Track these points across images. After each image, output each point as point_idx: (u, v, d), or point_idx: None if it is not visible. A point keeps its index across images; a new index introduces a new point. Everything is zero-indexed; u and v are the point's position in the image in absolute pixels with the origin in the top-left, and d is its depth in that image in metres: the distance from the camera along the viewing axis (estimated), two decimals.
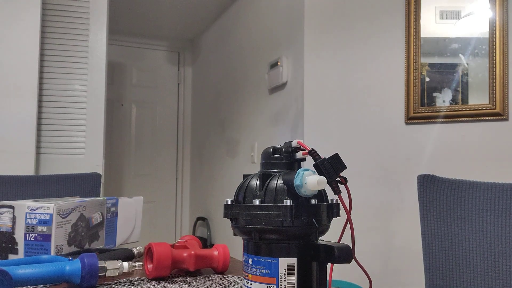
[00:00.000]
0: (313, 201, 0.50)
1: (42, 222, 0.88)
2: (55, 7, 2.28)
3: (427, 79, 2.00)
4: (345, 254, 0.50)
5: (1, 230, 0.91)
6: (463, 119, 1.94)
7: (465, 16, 1.97)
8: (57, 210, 0.89)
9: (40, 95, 2.20)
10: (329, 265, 0.52)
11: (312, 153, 0.51)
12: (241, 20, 3.14)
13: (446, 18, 1.99)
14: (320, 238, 0.53)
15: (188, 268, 0.81)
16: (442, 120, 1.98)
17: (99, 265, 0.72)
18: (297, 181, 0.48)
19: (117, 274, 0.74)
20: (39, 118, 2.20)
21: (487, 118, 1.90)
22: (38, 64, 2.16)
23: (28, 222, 0.89)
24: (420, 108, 2.00)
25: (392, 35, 2.10)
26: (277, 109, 2.51)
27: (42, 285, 0.72)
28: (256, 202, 0.50)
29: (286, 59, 2.40)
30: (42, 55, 2.21)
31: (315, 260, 0.51)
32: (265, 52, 2.67)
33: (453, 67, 1.97)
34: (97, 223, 1.04)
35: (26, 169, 2.04)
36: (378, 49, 2.13)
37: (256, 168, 2.71)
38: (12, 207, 0.91)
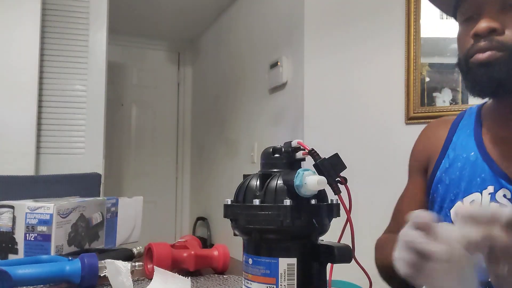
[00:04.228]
0: (313, 201, 0.50)
1: (42, 222, 0.88)
2: (55, 7, 2.28)
3: (427, 79, 2.00)
4: (345, 254, 0.50)
5: (1, 230, 0.91)
6: None
7: None
8: (57, 210, 0.89)
9: (40, 95, 2.19)
10: (329, 265, 0.52)
11: (312, 153, 0.51)
12: (241, 20, 3.14)
13: (446, 18, 1.99)
14: (320, 238, 0.52)
15: (188, 268, 0.81)
16: None
17: (99, 265, 0.72)
18: (297, 181, 0.48)
19: None
20: (39, 118, 2.20)
21: None
22: (38, 64, 2.16)
23: (28, 222, 0.89)
24: (420, 108, 2.00)
25: (392, 35, 2.10)
26: (277, 109, 2.51)
27: (42, 285, 0.72)
28: (256, 202, 0.50)
29: (286, 59, 2.40)
30: (42, 55, 2.20)
31: (315, 260, 0.51)
32: (265, 52, 2.67)
33: (453, 67, 1.96)
34: (97, 223, 1.04)
35: (26, 169, 2.04)
36: (378, 49, 2.13)
37: (256, 168, 2.70)
38: (12, 207, 0.91)
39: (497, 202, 0.73)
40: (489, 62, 0.70)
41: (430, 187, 0.87)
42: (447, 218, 0.80)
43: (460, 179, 0.80)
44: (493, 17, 0.71)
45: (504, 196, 0.73)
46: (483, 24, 0.71)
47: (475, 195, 0.76)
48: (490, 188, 0.75)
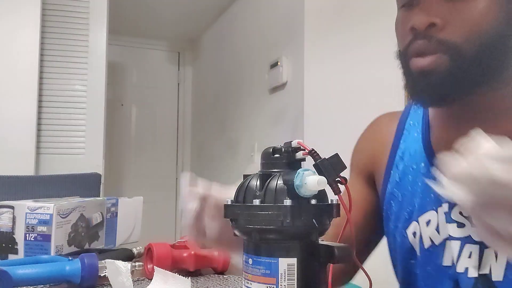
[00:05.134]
0: (313, 201, 0.50)
1: (42, 222, 0.88)
2: (55, 7, 2.28)
3: None
4: (345, 254, 0.50)
5: (1, 230, 0.91)
6: None
7: None
8: (57, 210, 0.89)
9: (40, 95, 2.19)
10: (329, 265, 0.52)
11: (312, 153, 0.51)
12: (241, 20, 3.14)
13: None
14: (320, 238, 0.52)
15: (188, 268, 0.81)
16: None
17: (99, 265, 0.72)
18: (297, 181, 0.48)
19: None
20: (39, 118, 2.20)
21: None
22: (38, 64, 2.16)
23: (28, 222, 0.89)
24: None
25: (393, 34, 2.09)
26: (277, 109, 2.51)
27: (42, 285, 0.72)
28: (256, 202, 0.50)
29: (286, 59, 2.40)
30: (42, 55, 2.20)
31: (315, 260, 0.51)
32: (265, 52, 2.67)
33: None
34: (97, 223, 1.04)
35: (26, 169, 2.04)
36: (378, 49, 2.13)
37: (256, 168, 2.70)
38: (12, 207, 0.91)
39: (454, 221, 0.64)
40: (431, 70, 0.61)
41: (382, 202, 0.76)
42: (404, 239, 0.70)
43: (412, 195, 0.70)
44: (433, 7, 0.60)
45: (461, 213, 0.63)
46: (421, 18, 0.60)
47: (431, 214, 0.67)
48: (445, 206, 0.65)
